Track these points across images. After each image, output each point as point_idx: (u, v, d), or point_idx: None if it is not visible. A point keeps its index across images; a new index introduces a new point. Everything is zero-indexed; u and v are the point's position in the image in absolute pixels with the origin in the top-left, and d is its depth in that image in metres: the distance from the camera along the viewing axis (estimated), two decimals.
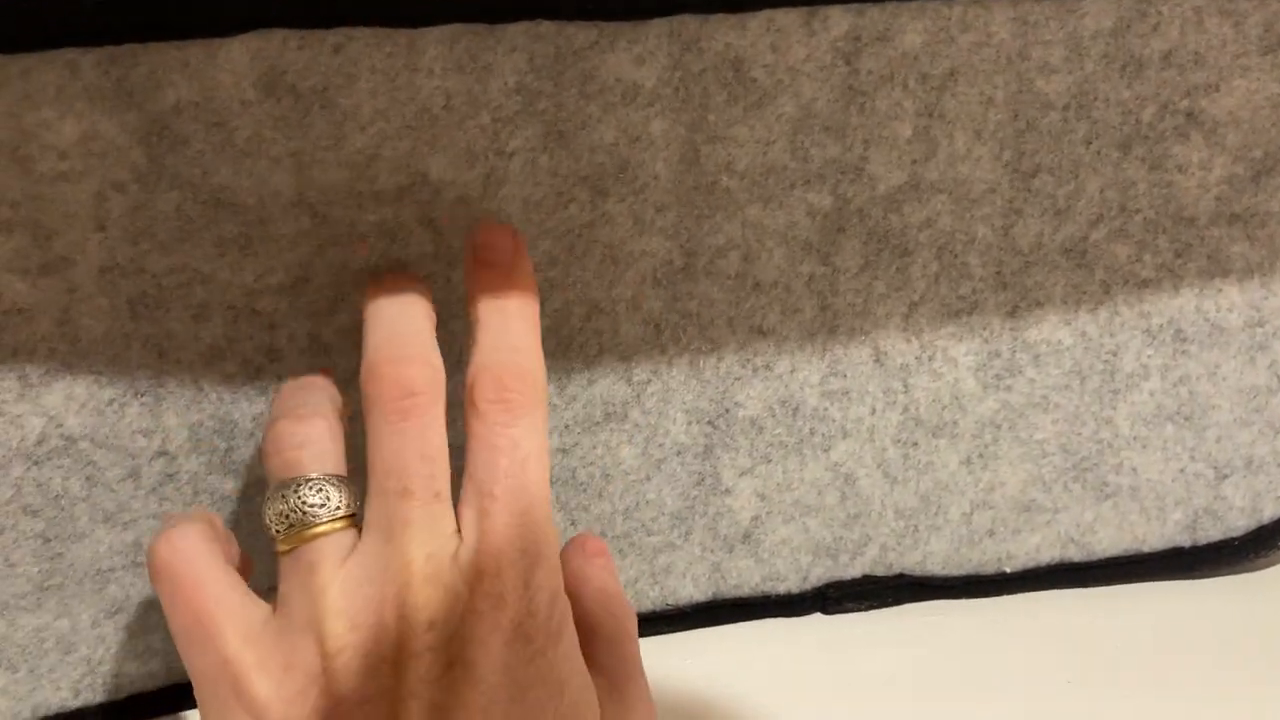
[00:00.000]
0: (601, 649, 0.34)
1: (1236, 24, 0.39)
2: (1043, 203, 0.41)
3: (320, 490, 0.32)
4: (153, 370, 0.37)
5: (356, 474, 0.33)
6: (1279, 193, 0.43)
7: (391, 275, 0.37)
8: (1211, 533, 0.48)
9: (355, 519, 0.33)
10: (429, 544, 0.31)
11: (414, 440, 0.32)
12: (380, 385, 0.32)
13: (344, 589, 0.31)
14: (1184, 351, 0.45)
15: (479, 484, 0.32)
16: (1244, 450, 0.46)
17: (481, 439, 0.32)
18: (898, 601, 0.47)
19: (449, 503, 0.32)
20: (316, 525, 0.32)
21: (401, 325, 0.34)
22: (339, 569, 0.31)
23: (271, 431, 0.33)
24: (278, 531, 0.32)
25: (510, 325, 0.34)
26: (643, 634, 0.44)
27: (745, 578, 0.45)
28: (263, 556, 0.38)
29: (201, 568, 0.32)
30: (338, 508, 0.32)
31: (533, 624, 0.30)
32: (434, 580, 0.30)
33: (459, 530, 0.32)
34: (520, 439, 0.32)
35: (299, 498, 0.32)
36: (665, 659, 0.44)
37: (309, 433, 0.33)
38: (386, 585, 0.31)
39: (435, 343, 0.34)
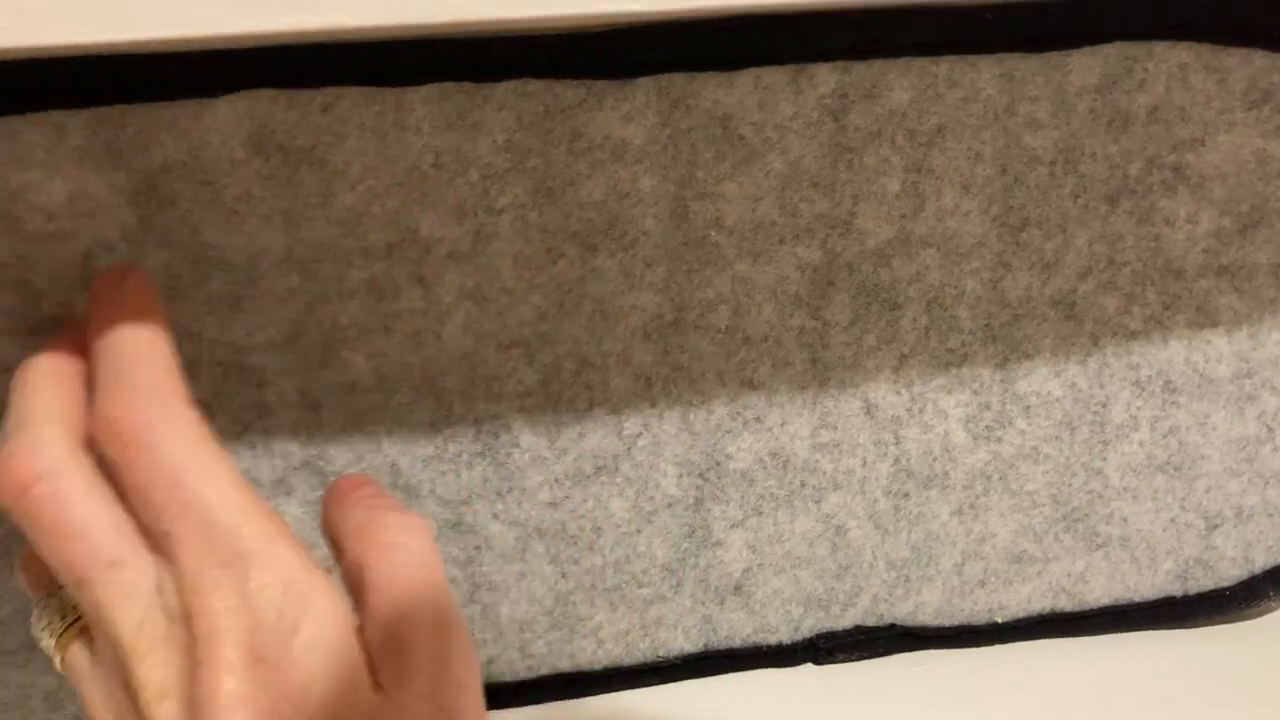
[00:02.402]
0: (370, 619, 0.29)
1: (1221, 80, 0.39)
2: (1031, 256, 0.41)
3: (40, 615, 0.31)
4: None
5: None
6: (1266, 245, 0.42)
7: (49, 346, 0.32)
8: (1203, 582, 0.46)
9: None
10: (133, 612, 0.28)
11: (56, 530, 0.28)
12: (2, 489, 0.29)
13: (95, 693, 0.29)
14: (1173, 402, 0.44)
15: (146, 524, 0.28)
16: (1234, 500, 0.45)
17: (121, 479, 0.29)
18: (889, 652, 0.45)
19: (133, 558, 0.28)
20: (52, 656, 0.30)
21: (23, 404, 0.30)
22: (88, 678, 0.29)
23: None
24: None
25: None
26: (634, 686, 0.44)
27: (736, 629, 0.44)
28: None
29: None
30: (51, 624, 0.30)
31: (260, 637, 0.27)
32: (152, 646, 0.27)
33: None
34: (159, 461, 0.28)
35: (33, 628, 0.31)
36: (656, 710, 0.43)
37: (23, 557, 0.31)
38: (112, 676, 0.28)
39: (61, 403, 0.30)
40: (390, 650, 0.28)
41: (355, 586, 0.29)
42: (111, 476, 0.29)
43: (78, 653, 0.30)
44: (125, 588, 0.28)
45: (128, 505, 0.29)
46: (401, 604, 0.28)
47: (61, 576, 0.29)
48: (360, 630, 0.29)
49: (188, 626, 0.27)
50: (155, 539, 0.28)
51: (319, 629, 0.28)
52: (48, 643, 0.30)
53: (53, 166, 0.33)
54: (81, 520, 0.28)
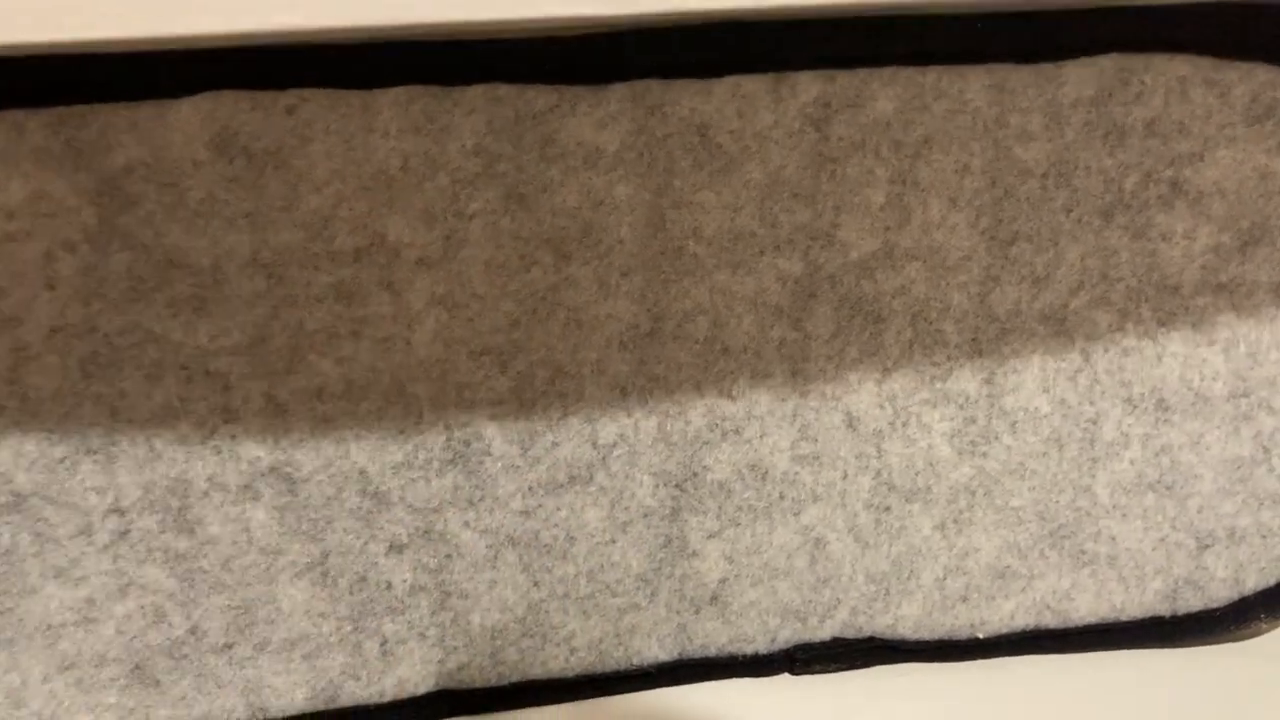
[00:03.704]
0: None
1: (1222, 94, 0.37)
2: (1021, 270, 0.39)
3: None
4: (105, 429, 0.35)
5: None
6: (1266, 263, 0.40)
7: None
8: (1192, 603, 0.45)
9: None
10: None
11: None
12: None
13: None
14: (1166, 421, 0.42)
15: None
16: (1227, 521, 0.44)
17: None
18: (867, 664, 0.44)
19: None
20: None
21: None
22: None
23: None
24: None
25: None
26: (607, 693, 0.43)
27: (712, 639, 0.42)
28: (216, 613, 0.36)
29: None
30: None
31: None
32: None
33: None
34: None
35: None
36: (629, 717, 0.42)
37: None
38: None
39: None
40: None
41: None
42: None
43: None
44: None
45: None
46: None
47: None
48: None
49: None
50: None
51: None
52: None
53: (12, 166, 0.32)
54: None
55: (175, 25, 0.27)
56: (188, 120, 0.32)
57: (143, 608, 0.37)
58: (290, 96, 0.32)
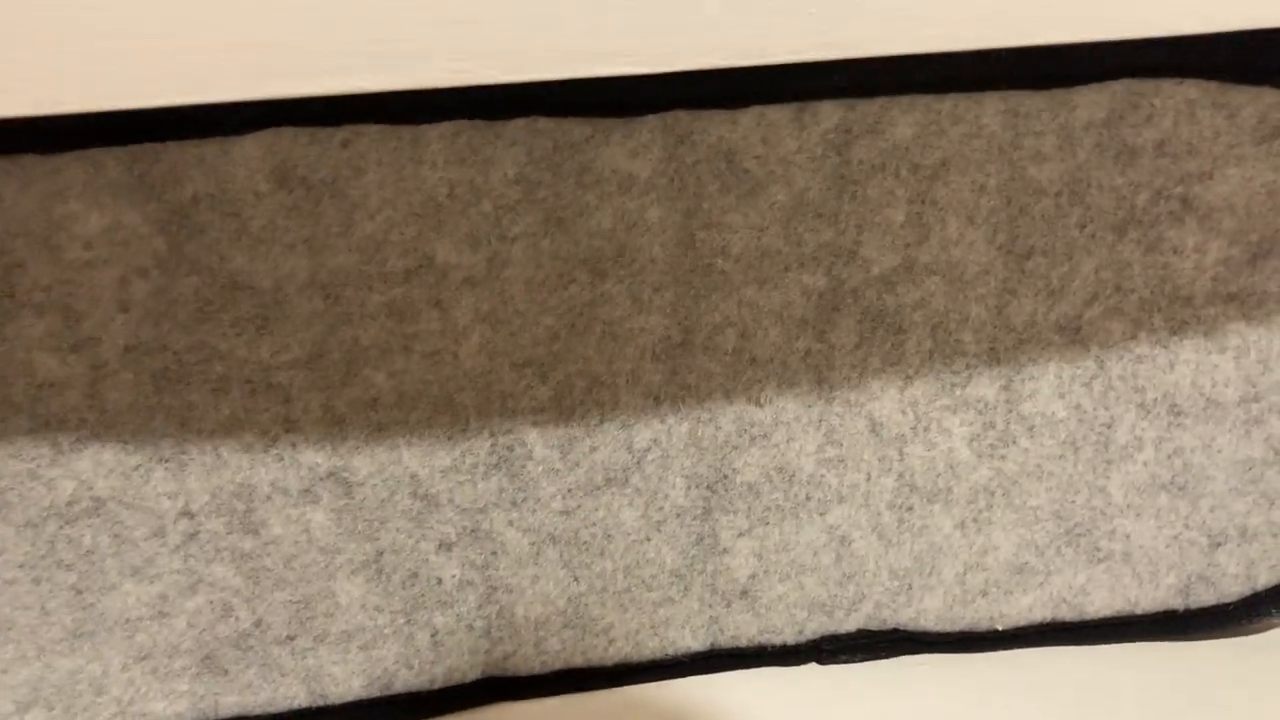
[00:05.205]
0: None
1: (1230, 116, 0.38)
2: (1037, 283, 0.40)
3: None
4: (175, 439, 0.37)
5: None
6: (1276, 274, 0.41)
7: None
8: (1204, 597, 0.46)
9: None
10: None
11: None
12: None
13: None
14: (1179, 424, 0.43)
15: None
16: (1238, 520, 0.45)
17: None
18: (891, 654, 0.46)
19: None
20: None
21: None
22: None
23: None
24: None
25: None
26: (641, 680, 0.45)
27: (743, 630, 0.44)
28: (279, 607, 0.38)
29: None
30: None
31: None
32: None
33: None
34: None
35: None
36: (664, 703, 0.44)
37: None
38: None
39: None
40: None
41: None
42: None
43: None
44: None
45: None
46: None
47: None
48: None
49: None
50: None
51: None
52: None
53: (90, 199, 0.34)
54: None
55: (243, 90, 0.29)
56: (250, 155, 0.34)
57: (211, 603, 0.39)
58: (345, 131, 0.34)
